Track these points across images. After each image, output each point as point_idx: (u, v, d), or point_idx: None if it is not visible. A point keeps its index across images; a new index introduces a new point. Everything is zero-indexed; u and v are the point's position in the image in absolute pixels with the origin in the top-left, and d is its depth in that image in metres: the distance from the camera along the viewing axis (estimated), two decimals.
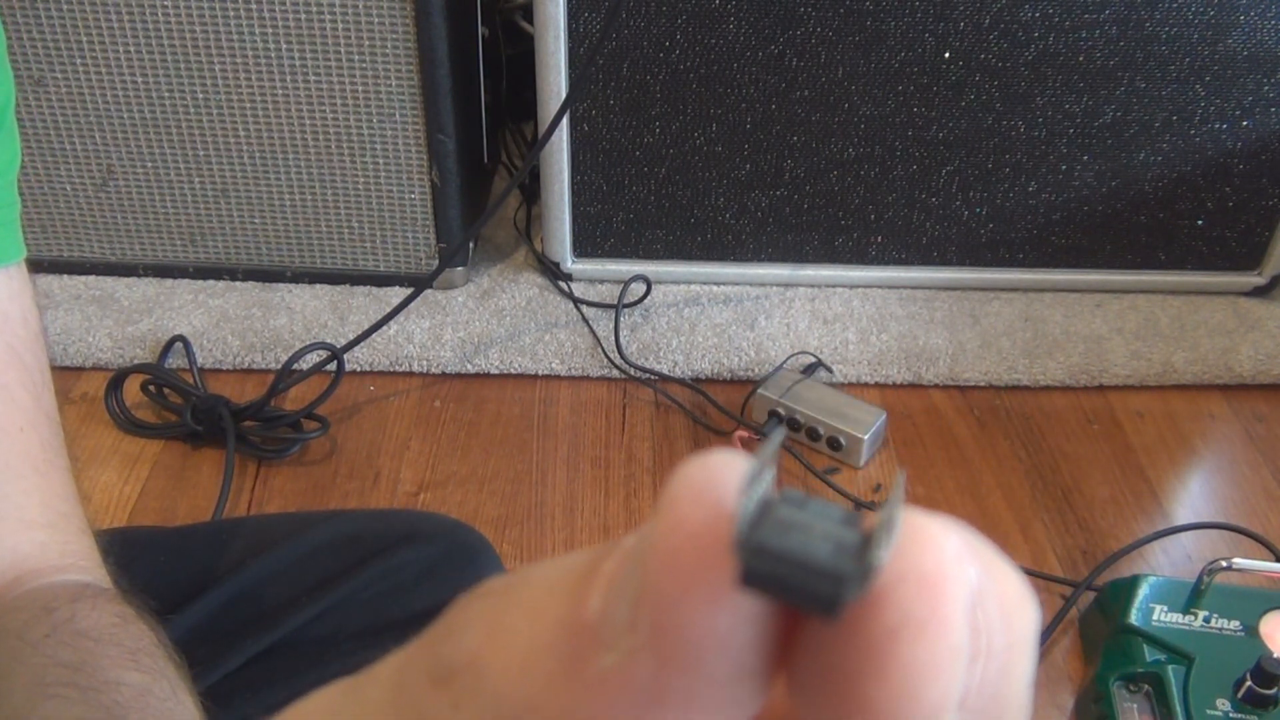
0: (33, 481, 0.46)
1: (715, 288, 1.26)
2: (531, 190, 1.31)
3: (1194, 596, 0.84)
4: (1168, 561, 0.98)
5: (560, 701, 0.11)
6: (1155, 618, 0.84)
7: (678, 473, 0.12)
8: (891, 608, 0.11)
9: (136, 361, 1.12)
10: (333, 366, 1.06)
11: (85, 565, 0.46)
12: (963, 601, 0.11)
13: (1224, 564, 0.81)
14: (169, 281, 1.23)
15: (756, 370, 1.15)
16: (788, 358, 1.15)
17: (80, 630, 0.41)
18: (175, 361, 1.13)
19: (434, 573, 0.62)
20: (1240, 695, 0.77)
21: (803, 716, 0.12)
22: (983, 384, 1.17)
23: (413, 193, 1.17)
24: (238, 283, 1.23)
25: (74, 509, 0.48)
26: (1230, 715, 0.77)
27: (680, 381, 1.15)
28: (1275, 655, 0.77)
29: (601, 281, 1.25)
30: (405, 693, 0.13)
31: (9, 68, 0.48)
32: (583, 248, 1.24)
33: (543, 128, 1.11)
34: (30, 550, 0.44)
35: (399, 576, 0.61)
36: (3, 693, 0.38)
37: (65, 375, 1.12)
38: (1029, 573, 0.96)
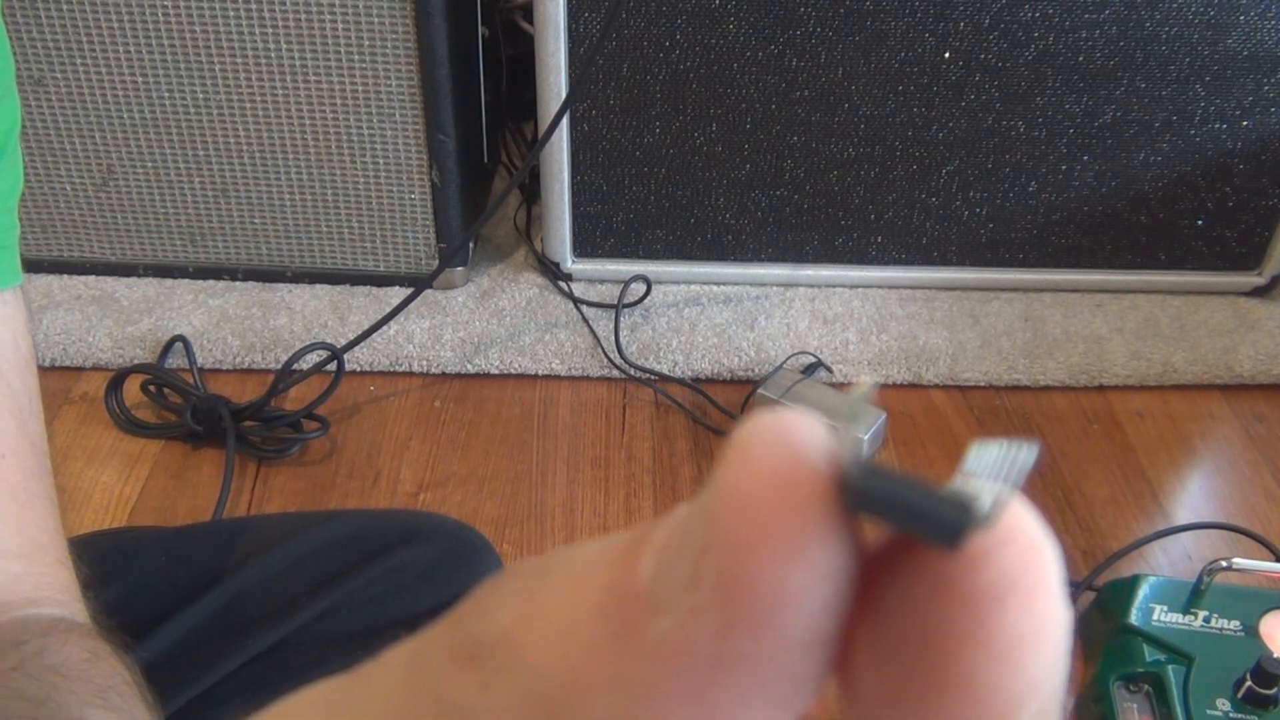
0: (10, 510, 0.45)
1: (715, 288, 1.26)
2: (531, 190, 1.31)
3: (1194, 596, 0.84)
4: (1168, 561, 0.98)
5: (607, 673, 0.10)
6: (1155, 618, 0.84)
7: (746, 424, 0.11)
8: (998, 568, 0.10)
9: (136, 361, 1.12)
10: (333, 366, 1.06)
11: (61, 599, 0.45)
12: (1059, 575, 0.10)
13: (1224, 564, 0.81)
14: (169, 281, 1.23)
15: (756, 370, 1.15)
16: (788, 358, 1.15)
17: (49, 665, 0.40)
18: (175, 361, 1.13)
19: (435, 573, 0.62)
20: (1240, 695, 0.77)
21: (867, 712, 0.11)
22: (983, 384, 1.17)
23: (413, 193, 1.17)
24: (238, 283, 1.23)
25: (53, 540, 0.46)
26: (1230, 715, 0.77)
27: (680, 381, 1.15)
28: (1275, 655, 0.77)
29: (601, 281, 1.25)
30: (423, 676, 0.12)
31: (16, 95, 0.47)
32: (583, 248, 1.24)
33: (543, 128, 1.11)
34: (3, 581, 0.43)
35: (400, 577, 0.61)
36: None
37: (65, 375, 1.12)
38: None
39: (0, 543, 0.44)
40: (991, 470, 0.11)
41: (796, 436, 0.10)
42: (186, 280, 1.23)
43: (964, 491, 0.11)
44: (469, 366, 1.15)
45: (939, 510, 0.10)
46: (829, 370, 1.16)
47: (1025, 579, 0.10)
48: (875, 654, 0.10)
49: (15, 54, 1.09)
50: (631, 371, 1.15)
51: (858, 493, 0.10)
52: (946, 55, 1.12)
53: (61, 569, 0.46)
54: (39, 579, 0.45)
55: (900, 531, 0.10)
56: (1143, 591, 0.86)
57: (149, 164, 1.16)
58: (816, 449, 0.10)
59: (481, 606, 0.12)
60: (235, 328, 1.16)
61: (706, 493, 0.10)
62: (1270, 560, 0.94)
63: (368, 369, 1.14)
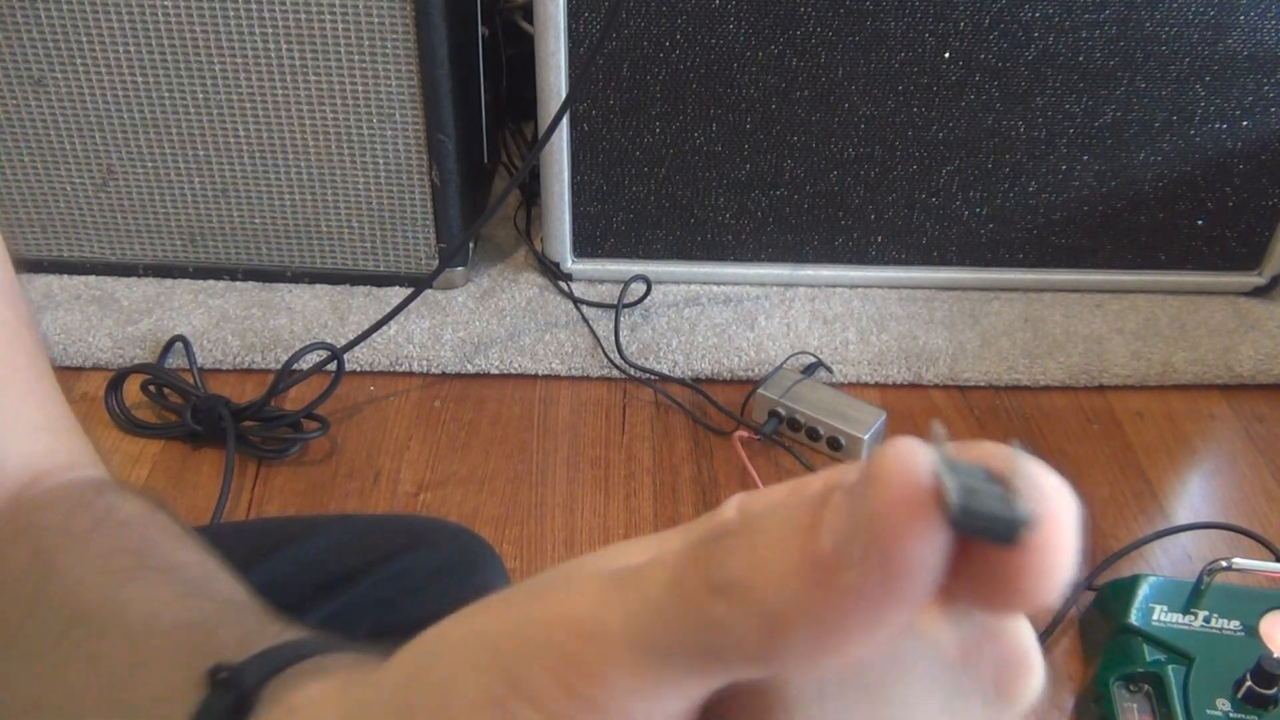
0: (31, 386, 0.46)
1: (715, 288, 1.26)
2: (531, 190, 1.31)
3: (1194, 596, 0.84)
4: (1168, 561, 0.98)
5: (815, 603, 0.17)
6: (1155, 618, 0.84)
7: (886, 453, 0.17)
8: (1039, 550, 0.17)
9: (136, 361, 1.12)
10: (333, 366, 1.06)
11: (90, 462, 0.46)
12: (1074, 518, 0.17)
13: (1224, 564, 0.82)
14: (169, 281, 1.23)
15: (756, 370, 1.15)
16: (788, 358, 1.15)
17: (123, 520, 0.41)
18: (175, 361, 1.13)
19: (439, 578, 0.61)
20: (1240, 695, 0.78)
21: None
22: (983, 384, 1.17)
23: (413, 193, 1.17)
24: (238, 283, 1.23)
25: (68, 412, 0.48)
26: (1230, 715, 0.77)
27: (680, 381, 1.15)
28: (1275, 655, 0.77)
29: (601, 281, 1.25)
30: (688, 596, 0.18)
31: None
32: (583, 248, 1.24)
33: (543, 128, 1.11)
34: (40, 452, 0.44)
35: (405, 581, 0.61)
36: (74, 583, 0.37)
37: (65, 375, 1.12)
38: None
39: (29, 418, 0.45)
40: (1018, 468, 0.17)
41: (920, 469, 0.16)
42: (186, 280, 1.23)
43: (1015, 502, 0.16)
44: (469, 366, 1.15)
45: (1001, 530, 0.16)
46: (829, 370, 1.16)
47: (1055, 538, 0.17)
48: (966, 580, 0.18)
49: (15, 54, 1.09)
50: (631, 371, 1.15)
51: (955, 528, 0.16)
52: (946, 55, 1.12)
53: (83, 437, 0.47)
54: (70, 449, 0.46)
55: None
56: (1143, 591, 0.86)
57: (149, 164, 1.16)
58: (931, 480, 0.16)
59: (714, 553, 0.18)
60: (235, 328, 1.16)
61: (869, 494, 0.17)
62: (1270, 560, 0.94)
63: (368, 369, 1.14)
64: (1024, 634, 0.20)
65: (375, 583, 0.60)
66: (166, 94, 1.11)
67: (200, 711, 0.28)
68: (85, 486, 0.43)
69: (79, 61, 1.10)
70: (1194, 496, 1.06)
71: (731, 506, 0.20)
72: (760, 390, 1.08)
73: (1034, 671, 0.19)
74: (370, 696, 0.23)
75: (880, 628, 0.17)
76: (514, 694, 0.19)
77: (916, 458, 0.17)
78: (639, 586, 0.19)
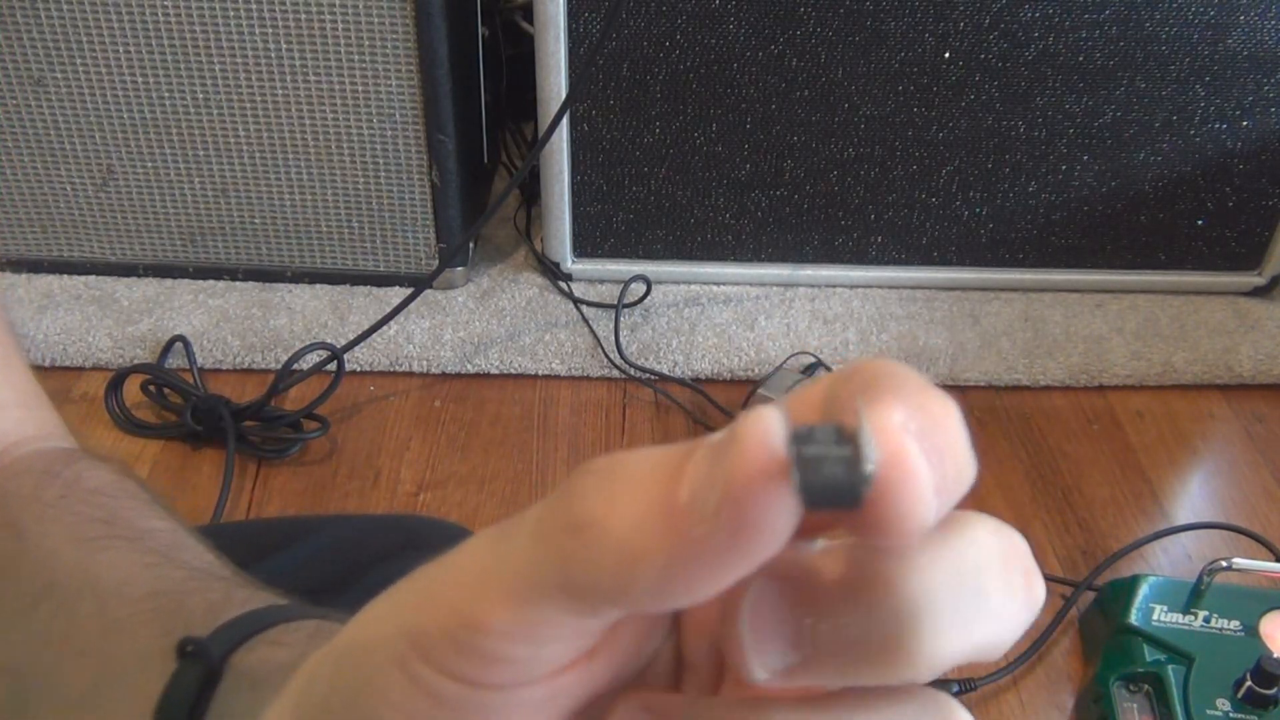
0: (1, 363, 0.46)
1: (715, 288, 1.26)
2: (531, 190, 1.31)
3: (1194, 596, 0.84)
4: (1168, 561, 0.98)
5: (665, 548, 0.18)
6: (1155, 618, 0.84)
7: (747, 419, 0.18)
8: (879, 490, 0.17)
9: (136, 361, 1.12)
10: (333, 366, 1.06)
11: (59, 434, 0.47)
12: (918, 456, 0.18)
13: (1224, 564, 0.82)
14: (169, 281, 1.23)
15: (756, 370, 1.15)
16: (788, 358, 1.15)
17: (92, 488, 0.41)
18: (175, 361, 1.13)
19: None
20: (1240, 695, 0.78)
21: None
22: (983, 384, 1.17)
23: (413, 193, 1.17)
24: (238, 283, 1.23)
25: (36, 387, 0.49)
26: (1230, 715, 0.77)
27: (680, 381, 1.15)
28: (1275, 655, 0.77)
29: (601, 281, 1.25)
30: (548, 536, 0.19)
31: None
32: (583, 248, 1.24)
33: (543, 128, 1.11)
34: (8, 427, 0.45)
35: None
36: (45, 553, 0.38)
37: (65, 375, 1.12)
38: None
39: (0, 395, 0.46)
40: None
41: (775, 439, 0.17)
42: (186, 280, 1.23)
43: (857, 464, 0.17)
44: (469, 366, 1.15)
45: (844, 498, 0.17)
46: (829, 370, 1.16)
47: (895, 479, 0.17)
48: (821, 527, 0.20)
49: (15, 54, 1.09)
50: (631, 371, 1.15)
51: (801, 499, 0.17)
52: (946, 55, 1.12)
53: (52, 411, 0.48)
54: (39, 421, 0.47)
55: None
56: (1143, 591, 0.86)
57: (149, 164, 1.16)
58: (782, 451, 0.17)
59: (574, 493, 0.19)
60: (235, 328, 1.16)
61: (726, 457, 0.17)
62: (1270, 560, 0.94)
63: (368, 369, 1.14)
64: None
65: (375, 583, 0.60)
66: (166, 94, 1.11)
67: (171, 684, 0.29)
68: (54, 456, 0.44)
69: (79, 61, 1.10)
70: (1194, 496, 1.06)
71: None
72: (760, 390, 1.08)
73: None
74: (317, 670, 0.24)
75: (727, 576, 0.18)
76: (414, 653, 0.21)
77: (772, 426, 0.17)
78: (512, 534, 0.20)
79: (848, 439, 0.18)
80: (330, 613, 0.32)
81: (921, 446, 0.18)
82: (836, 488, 0.17)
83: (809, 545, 0.20)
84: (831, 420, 0.18)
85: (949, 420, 0.19)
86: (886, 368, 0.19)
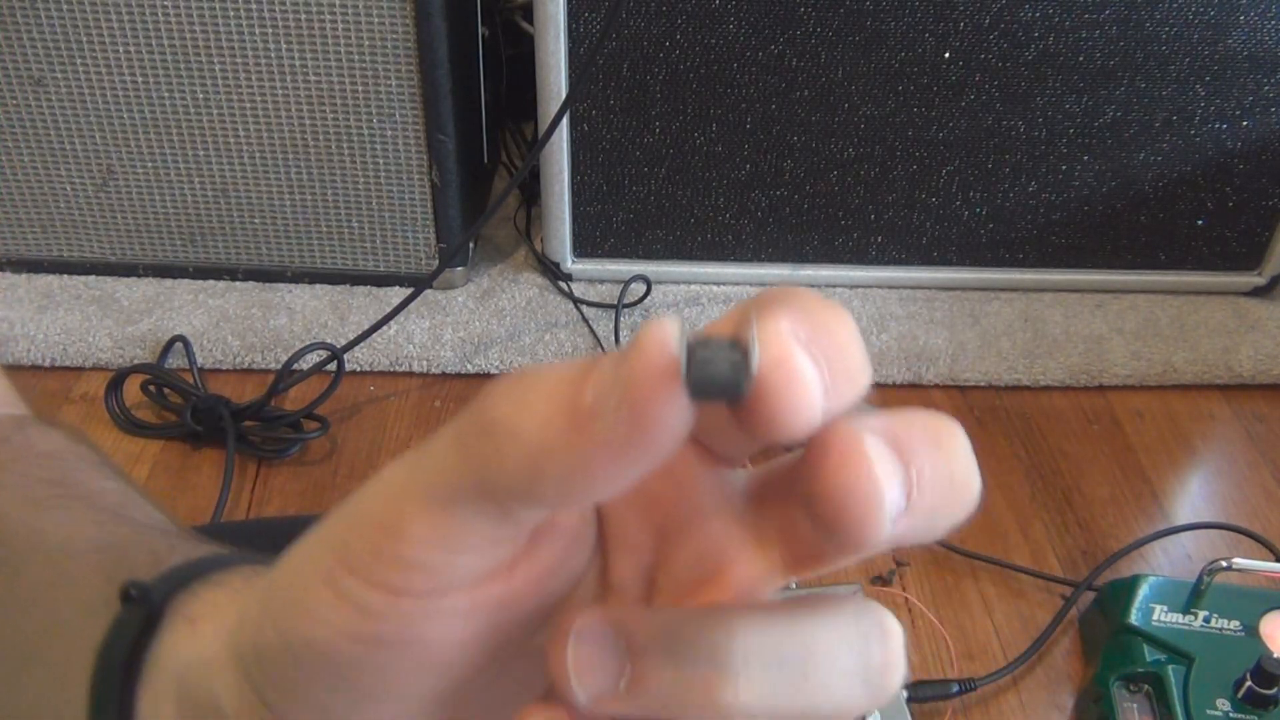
0: None
1: (715, 288, 1.26)
2: (531, 190, 1.31)
3: (1194, 596, 0.84)
4: (1168, 561, 0.98)
5: (569, 444, 0.19)
6: (1155, 618, 0.84)
7: (644, 329, 0.19)
8: (760, 385, 0.19)
9: (136, 361, 1.12)
10: (333, 366, 1.06)
11: (11, 401, 0.47)
12: (801, 357, 0.19)
13: (1224, 564, 0.81)
14: (169, 281, 1.23)
15: None
16: None
17: (43, 452, 0.42)
18: (175, 361, 1.13)
19: None
20: (1240, 695, 0.78)
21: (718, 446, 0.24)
22: (982, 384, 1.17)
23: (413, 193, 1.17)
24: (238, 283, 1.23)
25: None
26: (1230, 715, 0.77)
27: None
28: (1275, 655, 0.77)
29: (601, 281, 1.25)
30: (461, 441, 0.20)
31: None
32: (583, 248, 1.24)
33: (543, 128, 1.11)
34: None
35: None
36: None
37: (65, 375, 1.12)
38: (1029, 573, 0.96)
39: None
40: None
41: (670, 344, 0.18)
42: (186, 280, 1.23)
43: (743, 363, 0.19)
44: (469, 366, 1.15)
45: (729, 392, 0.19)
46: None
47: (776, 380, 0.19)
48: (719, 427, 0.23)
49: (15, 54, 1.09)
50: None
51: (689, 394, 0.19)
52: (946, 55, 1.12)
53: (5, 380, 0.48)
54: None
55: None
56: (1143, 591, 0.86)
57: (149, 164, 1.16)
58: (677, 353, 0.18)
59: (488, 399, 0.20)
60: (235, 328, 1.16)
61: (626, 361, 0.19)
62: (1270, 560, 0.94)
63: (368, 369, 1.14)
64: (852, 473, 0.20)
65: None
66: (166, 94, 1.11)
67: (113, 627, 0.30)
68: (5, 422, 0.44)
69: (79, 61, 1.10)
70: (1194, 496, 1.06)
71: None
72: None
73: (861, 504, 0.20)
74: (250, 600, 0.25)
75: (628, 471, 0.19)
76: (340, 567, 0.22)
77: (669, 332, 0.19)
78: (431, 448, 0.21)
79: (740, 347, 0.19)
80: (273, 559, 0.33)
81: (809, 352, 0.19)
82: (721, 382, 0.19)
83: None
84: (728, 334, 0.20)
85: (838, 327, 0.20)
86: (790, 291, 0.20)
